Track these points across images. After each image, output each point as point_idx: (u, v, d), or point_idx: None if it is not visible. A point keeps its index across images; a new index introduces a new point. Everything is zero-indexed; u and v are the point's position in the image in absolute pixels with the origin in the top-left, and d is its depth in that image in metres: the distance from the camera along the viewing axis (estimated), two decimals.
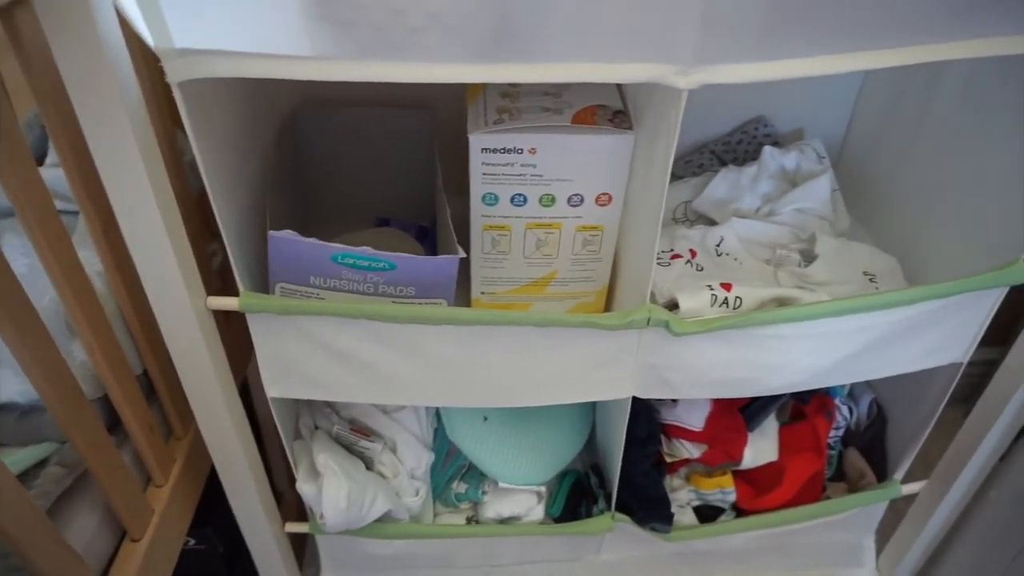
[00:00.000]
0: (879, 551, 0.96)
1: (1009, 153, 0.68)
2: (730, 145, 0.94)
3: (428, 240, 0.88)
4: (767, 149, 0.87)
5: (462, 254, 0.65)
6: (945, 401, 0.78)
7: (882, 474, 0.90)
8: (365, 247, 0.63)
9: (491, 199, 0.69)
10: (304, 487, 0.74)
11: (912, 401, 0.84)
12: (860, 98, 0.93)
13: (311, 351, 0.67)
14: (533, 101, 0.68)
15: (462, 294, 0.73)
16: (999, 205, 0.69)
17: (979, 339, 0.73)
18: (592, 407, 0.91)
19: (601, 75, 0.53)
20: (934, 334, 0.72)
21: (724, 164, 0.92)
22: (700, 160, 0.94)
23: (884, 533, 0.96)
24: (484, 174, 0.67)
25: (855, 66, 0.54)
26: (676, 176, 0.93)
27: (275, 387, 0.69)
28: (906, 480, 0.88)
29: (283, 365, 0.68)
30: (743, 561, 0.93)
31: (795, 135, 0.96)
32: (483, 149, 0.66)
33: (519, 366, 0.70)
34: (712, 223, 0.84)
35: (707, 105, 0.93)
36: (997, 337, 0.77)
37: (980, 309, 0.71)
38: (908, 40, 0.54)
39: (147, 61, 0.58)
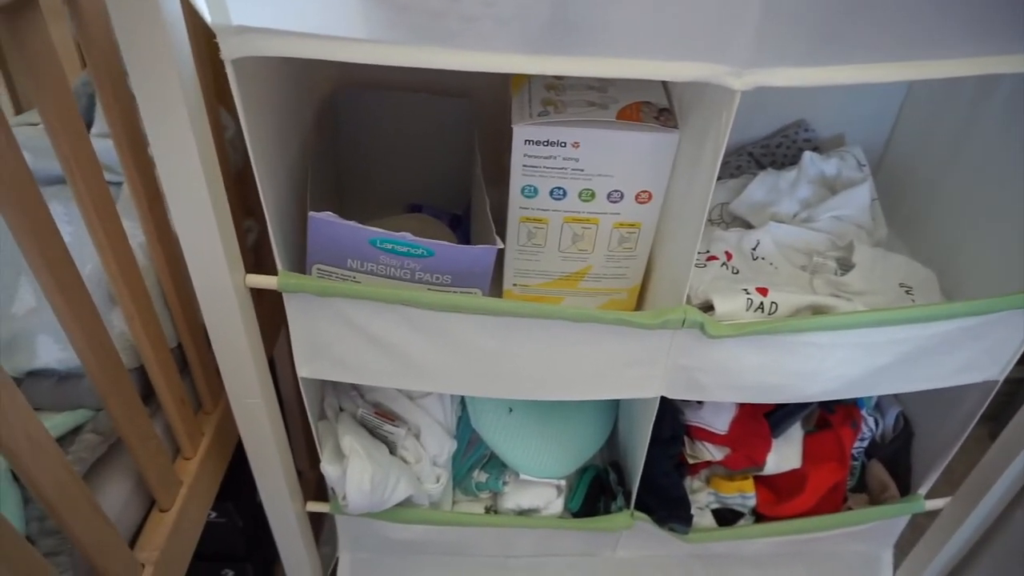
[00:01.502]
0: (897, 565, 0.96)
1: None
2: (769, 148, 0.93)
3: (460, 228, 0.88)
4: (807, 154, 0.86)
5: (500, 245, 0.65)
6: (976, 418, 0.77)
7: (905, 488, 0.89)
8: (405, 232, 0.63)
9: (530, 191, 0.69)
10: (328, 468, 0.75)
11: (941, 416, 0.83)
12: (904, 108, 0.92)
13: (344, 333, 0.67)
14: (578, 95, 0.68)
15: (495, 285, 0.73)
16: None
17: (1016, 357, 0.72)
18: (615, 404, 0.91)
19: (653, 72, 0.53)
20: (969, 351, 0.71)
21: (762, 167, 0.91)
22: (738, 162, 0.93)
23: (902, 547, 0.95)
24: (525, 166, 0.67)
25: (909, 75, 0.53)
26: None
27: (306, 367, 0.70)
28: (930, 495, 0.87)
29: (316, 346, 0.68)
30: (760, 566, 0.93)
31: (836, 141, 0.95)
32: (526, 141, 0.65)
33: (549, 360, 0.70)
34: (749, 226, 0.83)
35: (748, 107, 0.90)
36: None
37: (1019, 328, 0.70)
38: (960, 51, 0.53)
39: (198, 37, 0.59)
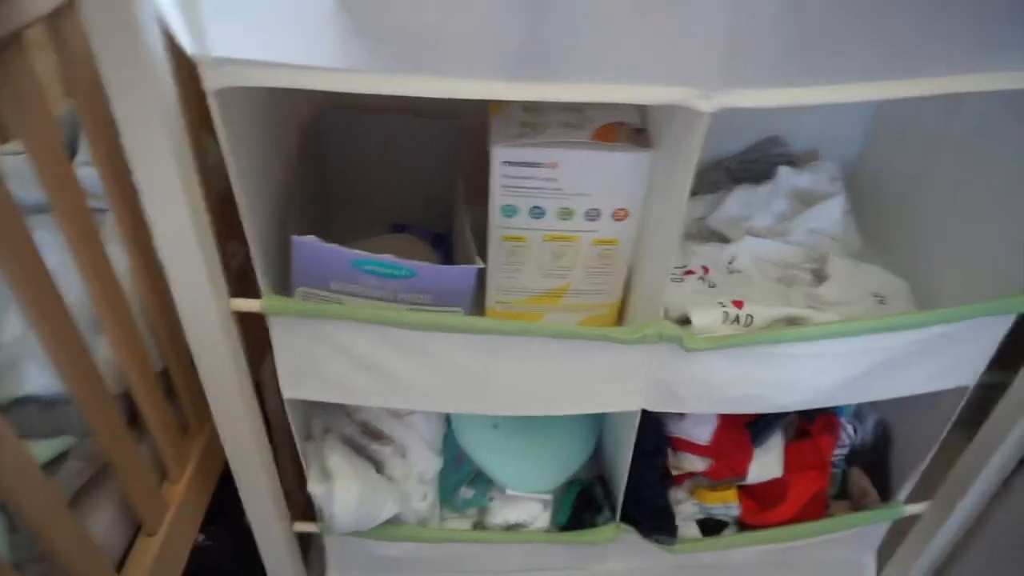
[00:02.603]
0: (880, 569, 0.97)
1: None
2: (745, 163, 0.95)
3: (443, 248, 0.89)
4: (782, 169, 0.88)
5: (481, 264, 0.66)
6: (951, 424, 0.79)
7: (885, 493, 0.90)
8: (386, 254, 0.64)
9: (510, 211, 0.70)
10: (315, 488, 0.75)
11: (917, 422, 0.85)
12: (875, 121, 0.94)
13: (329, 354, 0.68)
14: (555, 116, 0.70)
15: (477, 302, 0.74)
16: (1012, 232, 0.70)
17: (986, 363, 0.74)
18: (600, 418, 0.92)
19: (625, 96, 0.55)
20: (942, 358, 0.72)
21: (738, 182, 0.93)
22: (714, 177, 0.95)
23: (885, 552, 0.96)
24: (504, 186, 0.68)
25: (875, 95, 0.55)
26: (691, 192, 0.94)
27: (292, 388, 0.71)
28: (910, 500, 0.89)
29: (301, 367, 0.69)
30: (747, 572, 0.94)
31: (810, 155, 0.97)
32: (505, 162, 0.67)
33: (531, 376, 0.71)
34: (725, 240, 0.85)
35: (723, 123, 0.92)
36: (1004, 360, 0.78)
37: (990, 335, 0.72)
38: (926, 71, 0.55)
39: (180, 63, 0.60)
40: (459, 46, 0.50)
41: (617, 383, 0.72)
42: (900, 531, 0.93)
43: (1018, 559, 0.81)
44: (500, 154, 0.66)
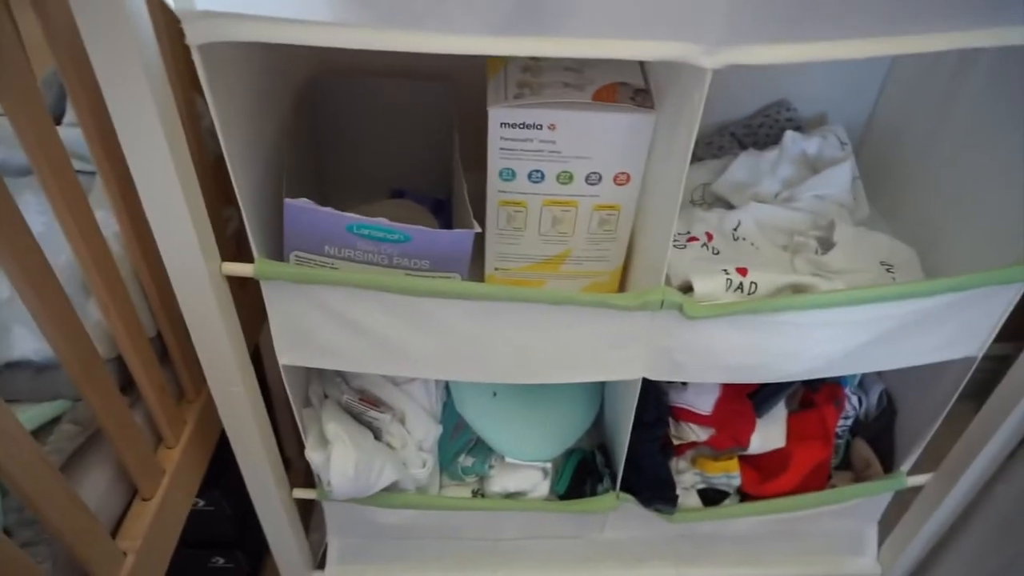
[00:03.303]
0: (882, 540, 0.97)
1: None
2: (751, 128, 0.92)
3: (443, 213, 0.88)
4: (789, 134, 0.86)
5: (477, 229, 0.65)
6: (956, 395, 0.78)
7: (889, 465, 0.89)
8: (381, 218, 0.63)
9: (508, 174, 0.69)
10: (313, 455, 0.75)
11: (923, 394, 0.84)
12: (885, 85, 0.91)
13: (324, 320, 0.67)
14: (554, 76, 0.67)
15: (476, 269, 0.73)
16: (1022, 199, 0.68)
17: (995, 334, 0.72)
18: (601, 387, 0.92)
19: (625, 52, 0.53)
20: (949, 327, 0.71)
21: (744, 147, 0.91)
22: (720, 142, 0.93)
23: (888, 523, 0.96)
24: (502, 149, 0.67)
25: (883, 51, 0.53)
26: (696, 158, 0.91)
27: (287, 355, 0.70)
28: (913, 472, 0.88)
29: (296, 333, 0.68)
30: (746, 544, 0.93)
31: (818, 120, 0.95)
32: (502, 124, 0.65)
33: (531, 343, 0.70)
34: (730, 206, 0.83)
35: (729, 87, 0.91)
36: (1013, 332, 0.76)
37: (997, 304, 0.70)
38: (937, 26, 0.53)
39: (168, 22, 0.58)
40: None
41: (618, 351, 0.71)
42: (903, 502, 0.92)
43: (1021, 532, 0.80)
44: (496, 115, 0.64)
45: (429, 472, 0.84)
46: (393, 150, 0.91)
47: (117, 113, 0.51)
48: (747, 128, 0.93)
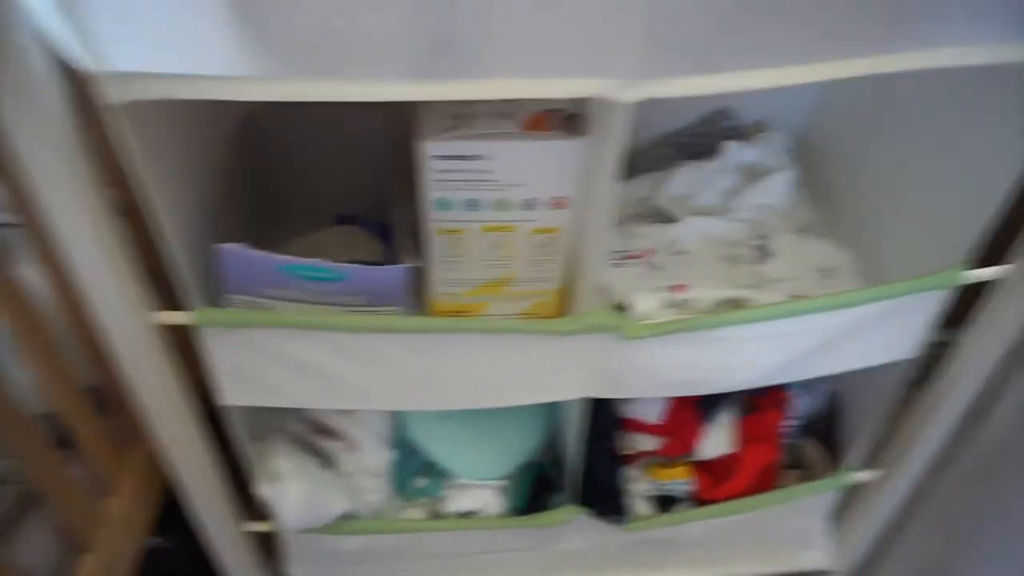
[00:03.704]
0: (834, 534, 0.99)
1: (971, 148, 0.68)
2: (693, 138, 0.93)
3: (391, 239, 0.87)
4: (728, 144, 0.87)
5: (408, 264, 0.65)
6: (897, 393, 0.80)
7: (838, 462, 0.92)
8: (314, 258, 0.62)
9: (444, 204, 0.69)
10: (263, 490, 0.75)
11: (866, 392, 0.86)
12: (823, 90, 0.93)
13: (267, 361, 0.66)
14: (487, 106, 0.67)
15: (422, 295, 0.73)
16: (960, 200, 0.69)
17: (926, 335, 0.74)
18: (553, 404, 0.92)
19: (542, 91, 0.53)
20: (885, 332, 0.73)
21: (687, 157, 0.92)
22: (662, 153, 0.93)
23: (840, 517, 0.98)
24: (436, 180, 0.67)
25: (803, 78, 0.54)
26: (638, 170, 0.92)
27: (231, 396, 0.69)
28: (864, 467, 0.90)
29: (239, 375, 0.68)
30: (702, 547, 0.95)
31: (758, 127, 0.96)
32: (434, 156, 0.65)
33: (474, 370, 0.70)
34: (671, 220, 0.84)
35: (668, 99, 0.92)
36: (957, 318, 0.78)
37: (931, 307, 0.72)
38: (857, 51, 0.54)
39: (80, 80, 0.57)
40: (364, 47, 0.48)
41: (560, 373, 0.72)
42: (859, 496, 0.94)
43: (966, 518, 0.83)
44: (429, 149, 0.64)
45: (383, 497, 0.84)
46: (339, 175, 0.90)
47: (32, 169, 0.49)
48: (689, 138, 0.93)
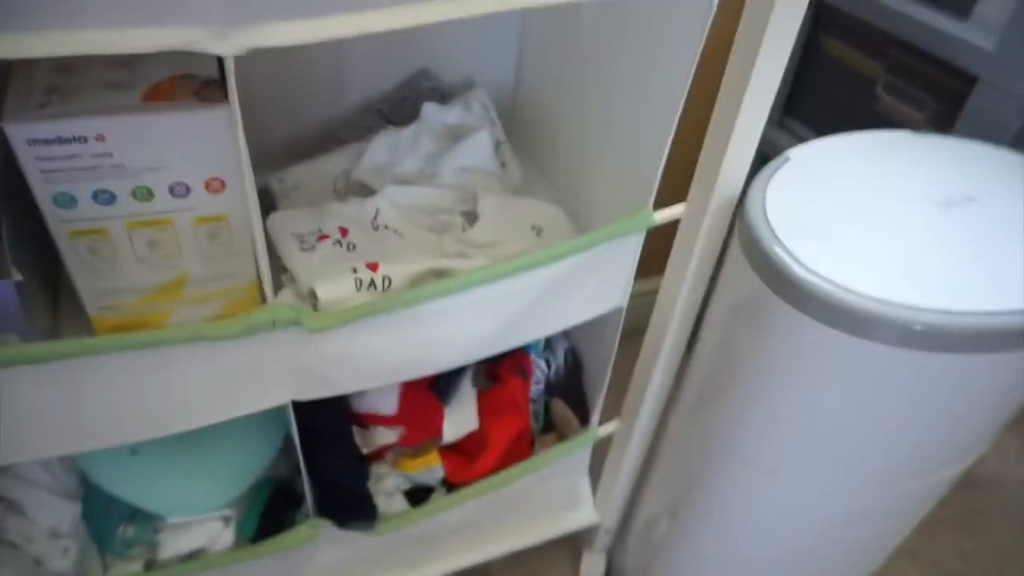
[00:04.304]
0: (595, 489, 1.00)
1: (642, 86, 0.67)
2: (395, 103, 0.87)
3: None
4: (426, 105, 0.82)
5: (16, 277, 0.52)
6: (617, 342, 0.80)
7: (585, 418, 0.91)
8: None
9: (66, 200, 0.56)
10: None
11: (595, 345, 0.86)
12: (522, 41, 0.90)
13: None
14: (96, 75, 0.56)
15: (77, 314, 0.60)
16: (642, 144, 0.68)
17: (631, 281, 0.74)
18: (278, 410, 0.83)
19: (123, 44, 0.43)
20: (591, 284, 0.71)
21: (393, 124, 0.85)
22: (367, 122, 0.86)
23: (599, 469, 0.99)
24: (44, 171, 0.54)
25: (410, 21, 0.48)
26: (340, 141, 0.84)
27: None
28: (609, 419, 0.91)
29: None
30: (467, 531, 0.91)
31: (464, 86, 0.92)
32: (30, 141, 0.52)
33: (141, 394, 0.59)
34: (373, 193, 0.77)
35: (365, 60, 0.85)
36: (661, 267, 0.79)
37: (628, 252, 0.71)
38: None
39: None
40: None
41: (253, 380, 0.63)
42: (609, 447, 0.95)
43: (692, 457, 0.85)
44: (18, 132, 0.51)
45: (75, 560, 0.70)
46: None
47: None
48: (391, 104, 0.87)
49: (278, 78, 0.81)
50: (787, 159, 0.67)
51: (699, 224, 0.65)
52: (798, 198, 0.62)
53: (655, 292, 0.77)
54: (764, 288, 0.57)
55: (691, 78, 0.58)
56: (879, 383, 0.56)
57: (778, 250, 0.57)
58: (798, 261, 0.55)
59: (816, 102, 1.03)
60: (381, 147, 0.78)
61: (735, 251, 0.63)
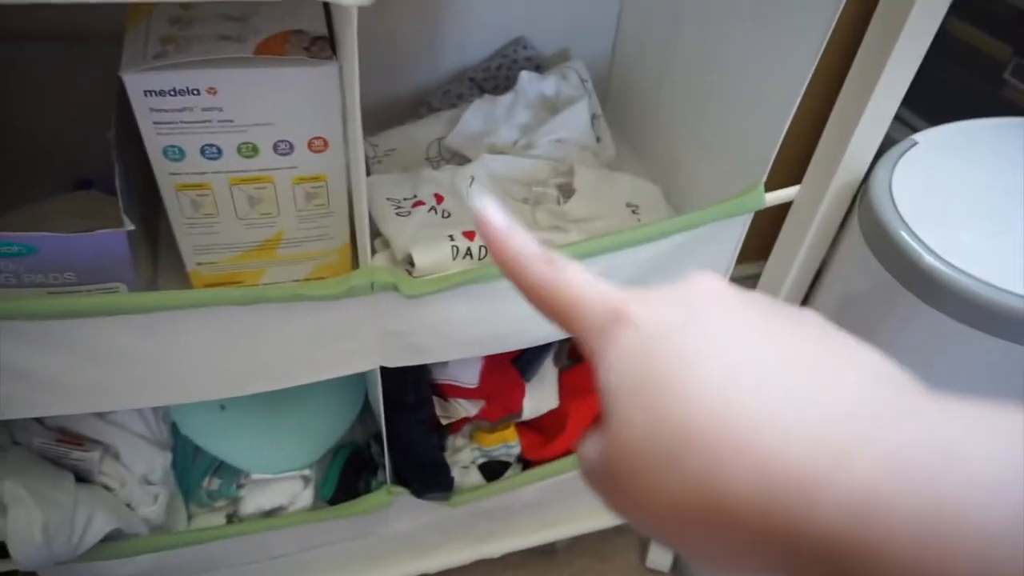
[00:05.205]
0: None
1: (760, 67, 0.63)
2: (490, 71, 0.85)
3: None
4: (524, 74, 0.79)
5: (129, 226, 0.52)
6: None
7: None
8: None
9: (175, 153, 0.56)
10: None
11: None
12: (621, 15, 0.87)
13: None
14: (209, 28, 0.55)
15: (175, 268, 0.61)
16: (756, 123, 0.64)
17: (732, 266, 0.71)
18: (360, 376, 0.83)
19: None
20: (688, 267, 0.68)
21: (485, 92, 0.83)
22: (459, 90, 0.85)
23: None
24: (156, 123, 0.54)
25: None
26: (431, 108, 0.83)
27: None
28: None
29: None
30: (540, 509, 0.90)
31: (560, 57, 0.89)
32: (146, 92, 0.52)
33: (235, 350, 0.59)
34: (466, 161, 0.75)
35: (463, 27, 0.83)
36: (761, 251, 0.75)
37: (730, 237, 0.68)
38: None
39: None
40: None
41: (343, 343, 0.62)
42: None
43: None
44: (135, 82, 0.52)
45: (164, 507, 0.72)
46: (73, 131, 0.75)
47: None
48: (485, 72, 0.85)
49: (374, 43, 0.80)
50: (914, 143, 0.62)
51: (815, 207, 0.62)
52: (925, 184, 0.58)
53: (752, 279, 0.73)
54: (888, 278, 0.53)
55: (817, 60, 0.55)
56: (1020, 389, 0.52)
57: (906, 236, 0.53)
58: (931, 251, 0.51)
59: (931, 88, 0.96)
60: (477, 115, 0.77)
61: (852, 238, 0.59)
